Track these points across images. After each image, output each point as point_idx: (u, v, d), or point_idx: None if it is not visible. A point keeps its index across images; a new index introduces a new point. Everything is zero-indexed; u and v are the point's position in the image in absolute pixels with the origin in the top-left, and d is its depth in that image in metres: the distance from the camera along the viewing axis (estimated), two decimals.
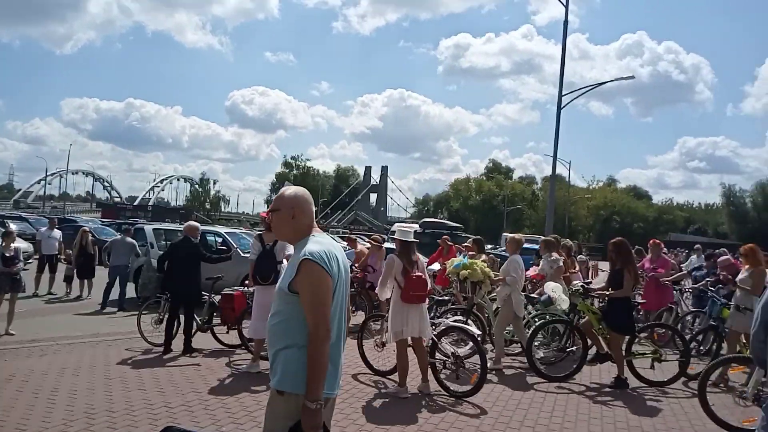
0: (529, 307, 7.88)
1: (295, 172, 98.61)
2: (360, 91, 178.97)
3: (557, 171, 23.01)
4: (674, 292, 10.43)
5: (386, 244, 12.48)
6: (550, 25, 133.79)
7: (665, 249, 11.43)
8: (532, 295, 7.97)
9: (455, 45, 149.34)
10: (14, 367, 6.15)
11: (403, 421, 5.03)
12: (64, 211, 64.66)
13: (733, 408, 5.60)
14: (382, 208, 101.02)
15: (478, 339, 6.14)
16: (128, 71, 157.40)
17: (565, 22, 21.20)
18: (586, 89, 23.57)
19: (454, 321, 6.53)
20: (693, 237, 58.46)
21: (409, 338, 5.97)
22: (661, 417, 5.57)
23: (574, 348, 7.24)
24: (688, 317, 9.31)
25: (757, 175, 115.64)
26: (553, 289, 7.25)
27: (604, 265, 19.72)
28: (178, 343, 7.35)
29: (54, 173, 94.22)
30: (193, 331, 7.53)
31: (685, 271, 11.49)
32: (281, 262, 6.56)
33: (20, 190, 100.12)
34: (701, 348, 7.88)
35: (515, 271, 7.34)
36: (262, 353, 6.59)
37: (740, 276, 7.20)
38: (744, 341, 6.95)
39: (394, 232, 6.74)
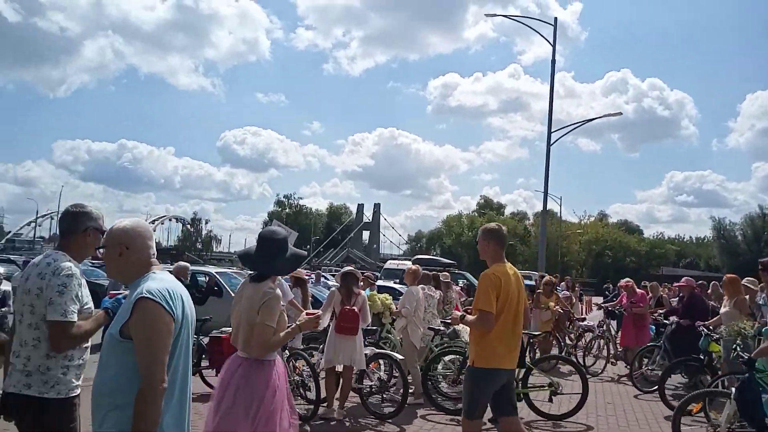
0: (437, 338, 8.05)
1: (287, 210, 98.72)
2: (351, 131, 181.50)
3: (548, 206, 23.18)
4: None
5: (379, 282, 12.37)
6: (536, 64, 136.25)
7: (647, 282, 11.54)
8: (439, 327, 7.97)
9: (443, 85, 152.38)
10: None
11: None
12: None
13: None
14: (375, 246, 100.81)
15: (401, 364, 6.55)
16: (121, 113, 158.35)
17: (553, 61, 21.70)
18: (575, 126, 23.97)
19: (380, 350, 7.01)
20: (685, 271, 58.51)
21: (340, 367, 6.39)
22: None
23: None
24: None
25: (744, 208, 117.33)
26: None
27: (599, 300, 19.69)
28: None
29: (45, 215, 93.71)
30: None
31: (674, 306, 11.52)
32: None
33: (9, 232, 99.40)
34: (688, 380, 7.89)
35: (410, 303, 7.39)
36: None
37: (723, 309, 7.18)
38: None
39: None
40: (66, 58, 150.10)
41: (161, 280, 2.20)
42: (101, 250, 2.35)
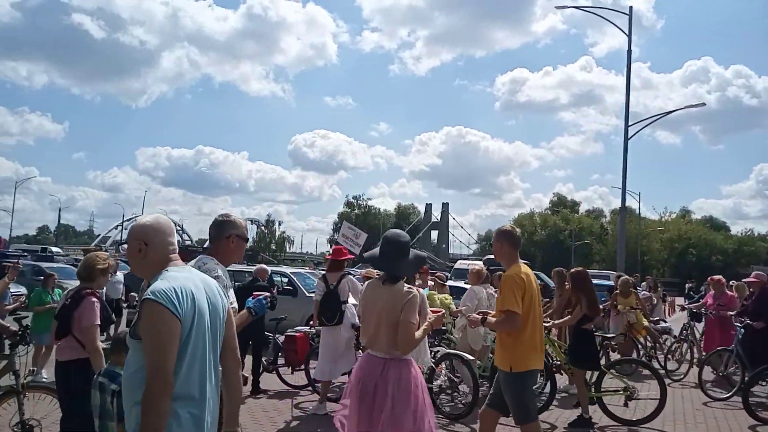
0: None
1: (356, 211, 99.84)
2: (418, 130, 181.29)
3: (627, 203, 22.22)
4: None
5: (450, 282, 12.29)
6: (609, 55, 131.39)
7: (734, 282, 10.63)
8: None
9: (511, 80, 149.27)
10: None
11: None
12: None
13: None
14: (444, 246, 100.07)
15: (471, 364, 6.44)
16: (198, 120, 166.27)
17: (629, 51, 20.82)
18: (654, 118, 22.90)
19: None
20: None
21: None
22: None
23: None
24: None
25: None
26: None
27: (682, 301, 18.70)
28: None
29: (130, 218, 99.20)
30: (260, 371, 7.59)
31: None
32: (345, 301, 6.56)
33: (99, 235, 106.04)
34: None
35: (470, 302, 7.32)
36: (329, 395, 6.56)
37: None
38: None
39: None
40: (146, 70, 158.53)
41: (172, 279, 2.16)
42: (124, 246, 2.44)
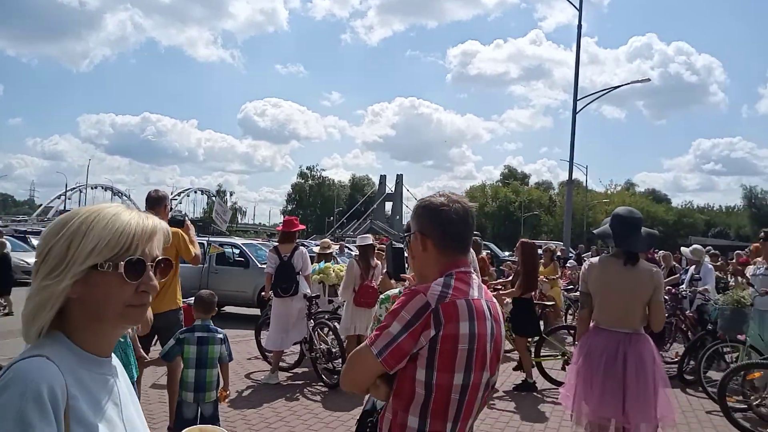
0: None
1: (310, 182, 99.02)
2: (370, 101, 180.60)
3: (574, 176, 22.82)
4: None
5: None
6: (558, 30, 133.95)
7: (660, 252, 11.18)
8: None
9: (463, 53, 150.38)
10: None
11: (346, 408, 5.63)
12: None
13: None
14: (398, 217, 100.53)
15: None
16: (143, 86, 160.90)
17: (579, 26, 21.10)
18: (602, 93, 23.40)
19: None
20: (715, 240, 57.42)
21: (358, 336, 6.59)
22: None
23: None
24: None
25: None
26: None
27: None
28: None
29: (74, 188, 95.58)
30: None
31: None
32: (299, 272, 6.57)
33: (41, 205, 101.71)
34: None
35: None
36: (280, 365, 6.60)
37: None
38: None
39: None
40: (87, 32, 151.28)
41: None
42: None
